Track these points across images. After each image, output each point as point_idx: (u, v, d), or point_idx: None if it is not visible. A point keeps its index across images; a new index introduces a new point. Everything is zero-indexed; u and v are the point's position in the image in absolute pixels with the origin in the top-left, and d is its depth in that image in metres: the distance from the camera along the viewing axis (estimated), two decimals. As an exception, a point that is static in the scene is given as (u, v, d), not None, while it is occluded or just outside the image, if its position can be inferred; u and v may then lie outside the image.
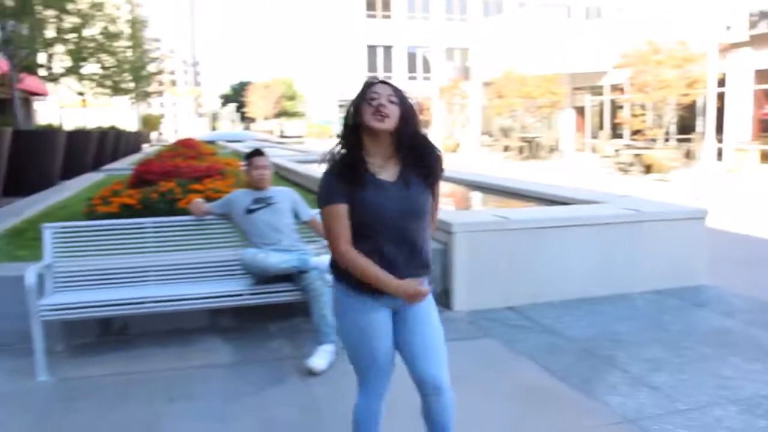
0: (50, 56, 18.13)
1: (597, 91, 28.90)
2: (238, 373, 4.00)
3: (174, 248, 4.59)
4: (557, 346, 4.45)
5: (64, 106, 20.10)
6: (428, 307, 2.58)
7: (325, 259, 4.23)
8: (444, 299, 5.39)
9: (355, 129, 2.44)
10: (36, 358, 3.95)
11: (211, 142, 42.02)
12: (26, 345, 4.00)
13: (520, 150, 28.33)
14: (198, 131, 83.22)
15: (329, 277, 4.28)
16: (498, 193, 8.71)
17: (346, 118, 2.46)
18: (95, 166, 20.02)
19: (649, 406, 3.50)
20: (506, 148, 29.86)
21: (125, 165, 19.03)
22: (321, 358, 4.03)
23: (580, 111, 30.67)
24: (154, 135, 65.58)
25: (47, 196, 10.28)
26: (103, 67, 23.57)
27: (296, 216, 4.60)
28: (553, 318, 5.08)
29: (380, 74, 56.84)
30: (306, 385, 3.84)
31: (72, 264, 4.39)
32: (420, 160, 2.49)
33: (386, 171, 2.46)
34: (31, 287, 3.87)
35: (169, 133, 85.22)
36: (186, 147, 23.41)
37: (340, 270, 2.53)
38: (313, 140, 72.72)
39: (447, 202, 8.63)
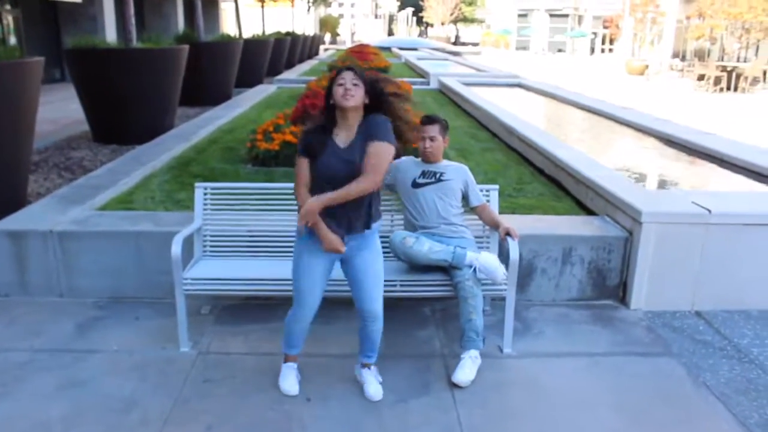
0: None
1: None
2: (380, 372, 3.66)
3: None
4: (756, 385, 3.67)
5: (243, 6, 20.51)
6: (371, 254, 3.26)
7: (486, 258, 3.72)
8: (620, 295, 4.72)
9: (331, 107, 3.07)
10: (179, 329, 3.84)
11: (386, 49, 41.82)
12: (175, 300, 3.87)
13: (717, 80, 25.33)
14: (374, 35, 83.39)
15: (482, 276, 3.78)
16: (697, 154, 7.59)
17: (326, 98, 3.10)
18: (271, 74, 20.44)
19: None
20: (701, 77, 26.79)
21: (297, 76, 19.20)
22: (466, 368, 3.58)
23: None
24: (327, 38, 66.46)
25: (219, 114, 10.44)
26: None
27: (465, 199, 4.08)
28: (751, 336, 4.28)
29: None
30: (449, 399, 3.43)
31: (221, 227, 4.21)
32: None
33: (345, 139, 3.07)
34: (176, 257, 3.70)
35: (345, 35, 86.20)
36: (359, 55, 23.26)
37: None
38: (489, 49, 70.29)
39: (634, 167, 7.68)
